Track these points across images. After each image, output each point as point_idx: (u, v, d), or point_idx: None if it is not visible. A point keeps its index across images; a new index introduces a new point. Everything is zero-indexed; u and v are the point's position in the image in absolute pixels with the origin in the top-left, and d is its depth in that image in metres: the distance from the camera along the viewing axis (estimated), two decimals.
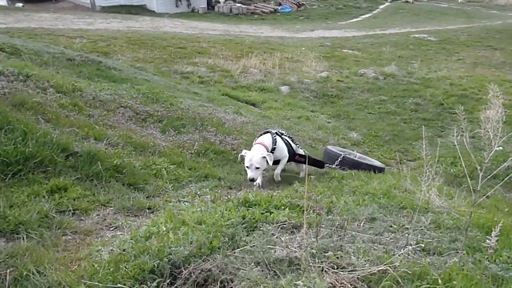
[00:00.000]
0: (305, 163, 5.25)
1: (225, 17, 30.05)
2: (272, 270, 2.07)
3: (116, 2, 29.69)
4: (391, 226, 3.05)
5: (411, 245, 2.38)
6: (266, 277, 1.99)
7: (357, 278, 1.95)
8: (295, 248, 2.28)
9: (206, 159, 5.29)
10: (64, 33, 15.22)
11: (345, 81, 14.00)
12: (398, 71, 14.96)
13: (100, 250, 2.45)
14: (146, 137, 5.22)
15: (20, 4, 28.95)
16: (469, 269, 2.15)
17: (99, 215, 3.24)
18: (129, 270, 2.02)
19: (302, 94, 12.70)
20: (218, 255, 2.20)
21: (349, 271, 1.99)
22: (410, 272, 1.98)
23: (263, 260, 2.14)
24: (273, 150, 4.75)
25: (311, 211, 3.16)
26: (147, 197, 3.71)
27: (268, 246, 2.29)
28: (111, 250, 2.36)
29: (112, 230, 3.04)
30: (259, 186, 4.62)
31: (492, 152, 1.94)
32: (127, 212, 3.36)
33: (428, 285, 1.93)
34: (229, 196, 3.76)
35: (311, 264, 2.09)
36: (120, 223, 3.09)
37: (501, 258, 2.43)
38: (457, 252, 2.41)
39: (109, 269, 2.07)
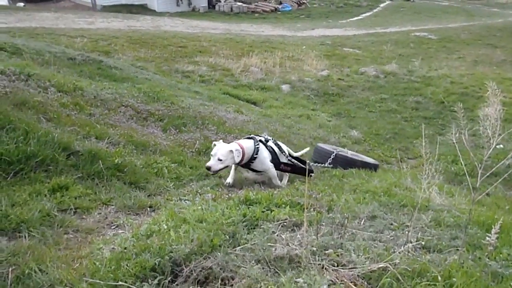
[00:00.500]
0: (291, 172, 4.99)
1: (226, 16, 30.02)
2: (272, 267, 2.08)
3: (117, 1, 29.70)
4: (391, 224, 3.06)
5: (411, 242, 2.40)
6: (267, 275, 2.00)
7: (357, 275, 1.96)
8: (295, 245, 2.29)
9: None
10: (65, 32, 15.24)
11: (346, 80, 14.00)
12: (399, 70, 14.96)
13: (102, 248, 2.47)
14: (147, 136, 5.23)
15: (21, 4, 28.96)
16: (469, 266, 2.16)
17: (100, 213, 3.25)
18: (131, 268, 2.03)
19: (303, 93, 12.70)
20: (219, 253, 2.21)
21: (349, 268, 2.00)
22: (410, 269, 1.99)
23: (264, 257, 2.15)
24: (253, 159, 4.48)
25: (312, 209, 3.17)
26: (148, 196, 3.73)
27: (268, 244, 2.30)
28: (113, 248, 2.37)
29: (114, 228, 3.05)
30: (229, 185, 4.40)
31: (491, 150, 1.95)
32: (128, 211, 3.38)
33: (428, 282, 1.95)
34: (230, 195, 3.78)
35: (311, 261, 2.10)
36: (122, 222, 3.11)
37: (501, 255, 2.44)
38: (457, 249, 2.42)
39: (111, 267, 2.08)
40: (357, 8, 35.28)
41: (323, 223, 2.81)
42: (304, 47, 17.74)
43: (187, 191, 4.03)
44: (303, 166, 5.04)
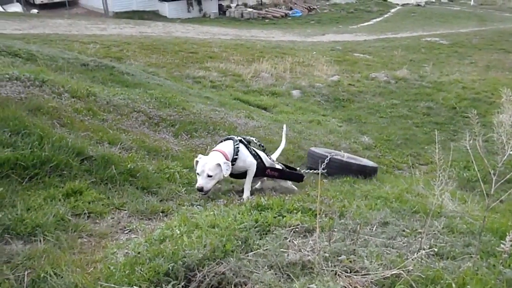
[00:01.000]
0: (279, 178, 4.63)
1: (237, 22, 30.20)
2: (285, 273, 2.09)
3: (129, 7, 30.05)
4: (403, 231, 3.05)
5: (424, 249, 2.38)
6: (280, 281, 2.01)
7: (371, 282, 1.96)
8: (308, 251, 2.29)
9: None
10: (78, 38, 15.44)
11: (357, 85, 13.98)
12: (410, 75, 14.90)
13: (116, 252, 2.49)
14: (159, 141, 5.27)
15: (35, 11, 29.42)
16: (483, 273, 2.14)
17: (113, 218, 3.28)
18: (144, 272, 2.05)
19: (314, 98, 12.71)
20: (231, 258, 2.22)
21: (362, 275, 2.00)
22: (423, 276, 1.98)
23: (276, 263, 2.16)
24: (234, 160, 4.10)
25: (324, 215, 3.17)
26: (160, 201, 3.75)
27: (281, 249, 2.30)
28: (126, 252, 2.40)
29: (127, 233, 3.07)
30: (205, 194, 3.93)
31: (506, 156, 1.94)
32: (141, 216, 3.40)
33: None
34: (241, 200, 3.79)
35: (324, 267, 2.11)
36: (134, 226, 3.13)
37: None
38: (471, 256, 2.40)
39: (125, 272, 2.10)
40: (368, 14, 35.28)
41: (335, 229, 2.81)
42: (315, 52, 17.76)
43: (199, 196, 4.04)
44: (292, 171, 4.83)
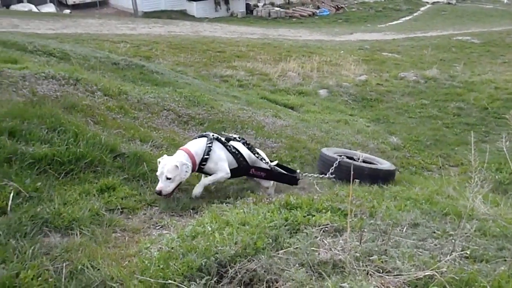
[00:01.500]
0: (267, 179, 4.33)
1: (264, 21, 30.24)
2: (316, 272, 2.10)
3: (157, 7, 30.49)
4: (434, 232, 3.01)
5: (456, 251, 2.36)
6: (311, 279, 2.03)
7: (403, 282, 1.95)
8: (339, 251, 2.30)
9: None
10: (109, 38, 15.76)
11: (385, 85, 13.80)
12: (440, 75, 14.60)
13: (149, 247, 2.55)
14: (189, 139, 5.33)
15: (68, 11, 30.18)
16: None
17: (145, 214, 3.35)
18: (178, 267, 2.10)
19: (341, 98, 12.61)
20: (262, 256, 2.25)
21: (394, 275, 2.00)
22: (457, 278, 1.97)
23: (307, 262, 2.18)
24: (204, 161, 3.83)
25: (353, 215, 3.17)
26: (190, 198, 3.81)
27: (311, 248, 2.32)
28: (160, 247, 2.45)
29: (158, 228, 3.14)
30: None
31: None
32: (172, 212, 3.47)
33: None
34: (270, 199, 3.81)
35: (355, 267, 2.11)
36: (166, 222, 3.20)
37: None
38: (505, 260, 2.36)
39: (159, 266, 2.15)
40: (397, 12, 34.76)
41: (365, 230, 2.80)
42: (342, 51, 17.63)
43: (228, 194, 4.09)
44: (282, 172, 4.47)
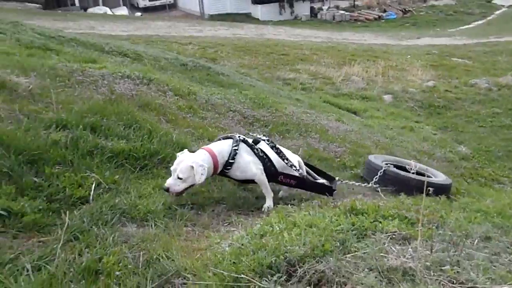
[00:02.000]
0: (297, 187, 4.00)
1: (328, 24, 30.04)
2: (386, 278, 2.10)
3: (223, 10, 31.18)
4: (508, 248, 2.89)
5: None
6: (381, 284, 2.03)
7: None
8: (408, 258, 2.28)
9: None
10: (177, 40, 16.36)
11: (454, 92, 13.28)
12: None
13: (220, 242, 2.66)
14: None
15: (139, 13, 31.62)
16: None
17: (213, 211, 3.48)
18: (249, 263, 2.18)
19: (406, 104, 12.31)
20: (331, 258, 2.27)
21: (468, 287, 1.95)
22: None
23: (376, 267, 2.17)
24: (229, 165, 3.54)
25: (420, 224, 3.11)
26: (256, 198, 3.90)
27: (380, 254, 2.31)
28: (230, 243, 2.55)
29: (226, 225, 3.25)
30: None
31: None
32: (239, 210, 3.57)
33: None
34: (335, 203, 3.82)
35: (426, 276, 2.08)
36: (233, 220, 3.29)
37: None
38: None
39: (231, 261, 2.24)
40: (468, 16, 33.24)
41: (434, 240, 2.74)
42: (409, 56, 17.15)
43: (292, 195, 4.14)
44: (316, 181, 4.16)
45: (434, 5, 36.22)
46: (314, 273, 2.18)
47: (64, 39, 9.28)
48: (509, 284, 1.91)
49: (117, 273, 2.32)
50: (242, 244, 2.45)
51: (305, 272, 2.18)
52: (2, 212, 2.72)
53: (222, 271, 2.11)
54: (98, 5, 32.94)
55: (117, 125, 4.27)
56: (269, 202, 3.66)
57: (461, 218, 3.58)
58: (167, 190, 3.31)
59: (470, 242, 2.90)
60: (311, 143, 6.02)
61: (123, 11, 32.05)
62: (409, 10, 34.12)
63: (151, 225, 2.96)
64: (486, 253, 2.65)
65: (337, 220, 2.90)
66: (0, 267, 2.30)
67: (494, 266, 2.31)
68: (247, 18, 30.90)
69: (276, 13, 31.68)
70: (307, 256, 2.29)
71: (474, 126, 11.19)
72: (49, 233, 2.69)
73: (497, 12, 34.65)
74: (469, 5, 36.08)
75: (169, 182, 3.33)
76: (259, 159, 3.66)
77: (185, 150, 3.49)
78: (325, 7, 33.54)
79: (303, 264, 2.23)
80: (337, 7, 33.68)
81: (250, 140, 3.74)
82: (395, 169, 4.93)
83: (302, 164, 4.18)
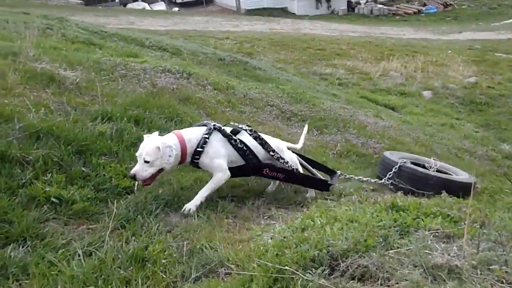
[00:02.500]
0: (285, 181, 3.74)
1: (365, 19, 29.55)
2: (431, 275, 2.08)
3: (259, 5, 31.16)
4: None
5: None
6: (427, 281, 2.01)
7: None
8: (453, 256, 2.24)
9: (348, 160, 5.35)
10: (214, 34, 16.50)
11: (497, 88, 12.84)
12: None
13: (261, 235, 2.69)
14: (292, 134, 5.46)
15: (176, 9, 32.08)
16: None
17: (253, 204, 3.51)
18: (293, 255, 2.20)
19: (447, 100, 11.99)
20: (373, 253, 2.26)
21: None
22: None
23: (421, 264, 2.15)
24: (197, 154, 3.23)
25: (463, 222, 3.04)
26: (295, 192, 3.92)
27: (425, 251, 2.29)
28: (272, 236, 2.58)
29: (266, 218, 3.28)
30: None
31: None
32: (278, 204, 3.60)
33: None
34: (375, 199, 3.79)
35: (472, 275, 2.05)
36: (273, 213, 3.32)
37: None
38: None
39: (274, 253, 2.27)
40: None
41: (480, 239, 2.69)
42: (450, 51, 16.67)
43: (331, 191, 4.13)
44: (307, 175, 3.91)
45: None
46: (357, 268, 2.17)
47: (106, 34, 9.54)
48: None
49: (163, 261, 2.39)
50: (284, 237, 2.47)
51: (348, 266, 2.18)
52: (54, 200, 2.85)
53: (266, 263, 2.13)
54: (137, 0, 33.60)
55: (159, 118, 4.38)
56: (194, 203, 3.17)
57: (506, 218, 3.49)
58: (134, 177, 3.04)
59: None
60: (349, 138, 5.97)
61: (161, 6, 32.58)
62: (450, 4, 33.08)
63: (194, 216, 3.02)
64: None
65: (378, 216, 2.88)
66: (53, 252, 2.41)
67: None
68: (283, 12, 30.78)
69: (312, 7, 31.41)
70: (349, 250, 2.28)
71: None
72: (97, 221, 2.80)
73: None
74: None
75: (135, 168, 3.04)
76: (237, 150, 3.38)
77: (155, 133, 3.26)
78: (362, 1, 32.96)
79: (346, 259, 2.23)
80: (375, 1, 33.03)
81: (227, 130, 3.44)
82: (411, 166, 4.66)
83: (294, 156, 3.86)
